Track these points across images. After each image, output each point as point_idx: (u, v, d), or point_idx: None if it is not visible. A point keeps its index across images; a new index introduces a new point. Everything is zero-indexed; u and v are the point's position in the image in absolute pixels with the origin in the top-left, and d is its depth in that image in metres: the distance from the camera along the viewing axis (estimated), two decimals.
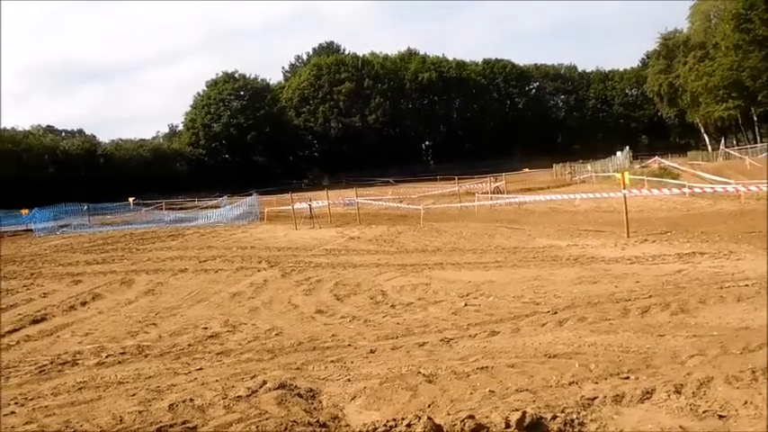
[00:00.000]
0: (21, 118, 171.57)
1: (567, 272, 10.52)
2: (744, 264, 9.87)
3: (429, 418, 4.15)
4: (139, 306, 10.41)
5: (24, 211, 35.87)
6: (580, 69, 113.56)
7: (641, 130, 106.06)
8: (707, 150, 68.12)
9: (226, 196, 38.50)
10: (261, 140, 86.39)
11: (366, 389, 5.19)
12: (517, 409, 4.17)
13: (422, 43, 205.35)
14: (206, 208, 37.97)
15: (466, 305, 8.57)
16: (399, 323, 7.86)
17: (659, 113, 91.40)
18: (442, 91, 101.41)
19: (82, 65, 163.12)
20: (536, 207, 25.42)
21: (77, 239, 25.69)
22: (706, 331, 6.17)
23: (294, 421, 4.40)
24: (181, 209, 41.17)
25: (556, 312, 7.61)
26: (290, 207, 26.25)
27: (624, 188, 15.73)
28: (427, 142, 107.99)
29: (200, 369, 6.28)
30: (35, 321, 9.56)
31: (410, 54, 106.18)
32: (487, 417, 4.16)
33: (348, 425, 4.46)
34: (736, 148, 57.61)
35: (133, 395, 5.47)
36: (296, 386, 5.30)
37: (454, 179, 42.48)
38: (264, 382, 5.40)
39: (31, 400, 5.59)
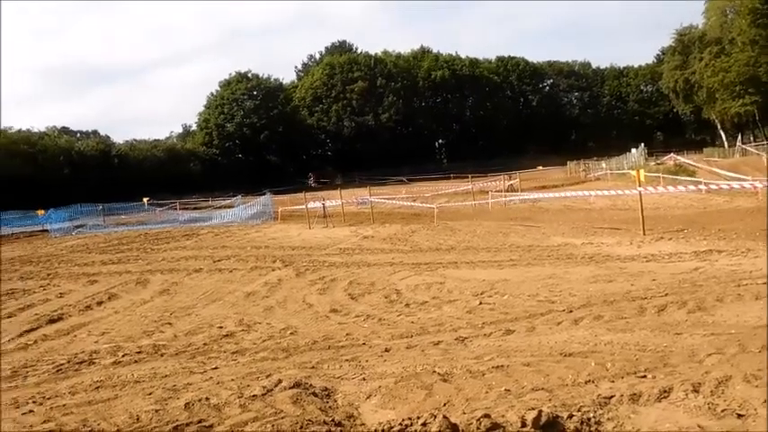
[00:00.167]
0: (36, 119, 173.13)
1: (583, 270, 10.45)
2: (761, 261, 9.74)
3: (445, 416, 4.13)
4: (155, 306, 10.47)
5: (40, 212, 36.20)
6: (594, 66, 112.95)
7: (656, 126, 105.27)
8: (723, 147, 67.65)
9: (239, 196, 38.59)
10: (274, 140, 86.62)
11: (381, 388, 5.18)
12: (533, 408, 4.15)
13: (435, 41, 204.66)
14: (220, 208, 38.14)
15: (480, 304, 8.55)
16: (414, 322, 7.84)
17: (675, 110, 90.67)
18: (456, 89, 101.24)
19: (96, 66, 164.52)
20: (550, 205, 25.30)
21: (93, 240, 25.89)
22: (724, 329, 6.11)
23: (309, 420, 4.40)
24: (195, 209, 41.42)
25: (571, 311, 7.56)
26: (304, 206, 26.29)
27: (639, 185, 15.61)
28: (440, 140, 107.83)
29: (216, 368, 6.31)
30: (52, 321, 9.65)
31: (423, 52, 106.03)
32: (503, 416, 4.14)
33: (363, 424, 4.46)
34: (754, 144, 57.11)
35: (149, 394, 5.50)
36: (311, 385, 5.30)
37: (468, 177, 42.42)
38: (280, 381, 5.40)
39: (48, 398, 5.64)
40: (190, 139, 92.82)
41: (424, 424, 4.11)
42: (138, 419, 4.74)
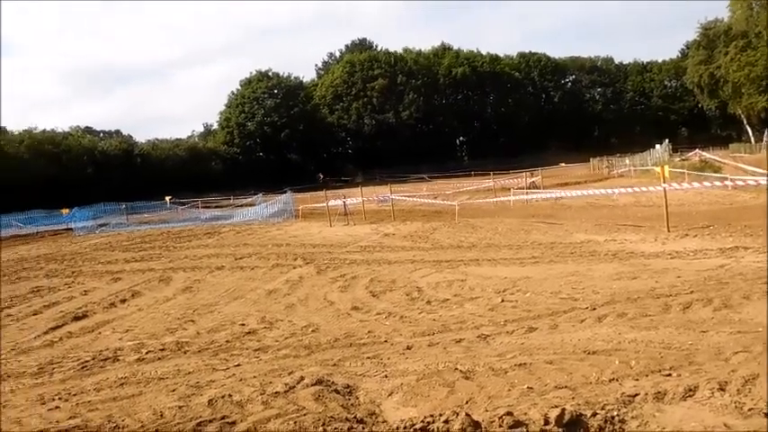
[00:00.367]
0: (60, 120, 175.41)
1: (606, 267, 10.35)
2: None
3: (467, 414, 4.12)
4: (177, 303, 10.56)
5: (65, 211, 36.73)
6: (617, 61, 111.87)
7: (681, 122, 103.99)
8: (750, 142, 66.53)
9: (260, 194, 38.74)
10: (295, 138, 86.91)
11: (403, 385, 5.18)
12: (556, 406, 4.12)
13: (455, 38, 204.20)
14: (241, 206, 38.35)
15: (503, 301, 8.50)
16: (435, 319, 7.82)
17: (699, 105, 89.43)
18: (476, 86, 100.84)
19: (118, 67, 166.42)
20: (573, 202, 25.09)
21: (116, 238, 26.20)
22: (750, 327, 6.01)
23: (331, 417, 4.41)
24: (216, 207, 41.72)
25: (594, 308, 7.49)
26: (325, 204, 26.35)
27: (664, 182, 15.43)
28: (461, 138, 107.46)
29: (238, 365, 6.34)
30: (77, 318, 9.79)
31: (444, 49, 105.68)
32: (526, 413, 4.11)
33: (385, 421, 4.45)
34: None
35: (173, 391, 5.55)
36: (333, 382, 5.31)
37: (489, 174, 42.23)
38: (302, 378, 5.42)
39: (74, 395, 5.71)
40: (211, 138, 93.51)
41: (446, 421, 4.10)
42: (161, 416, 4.78)
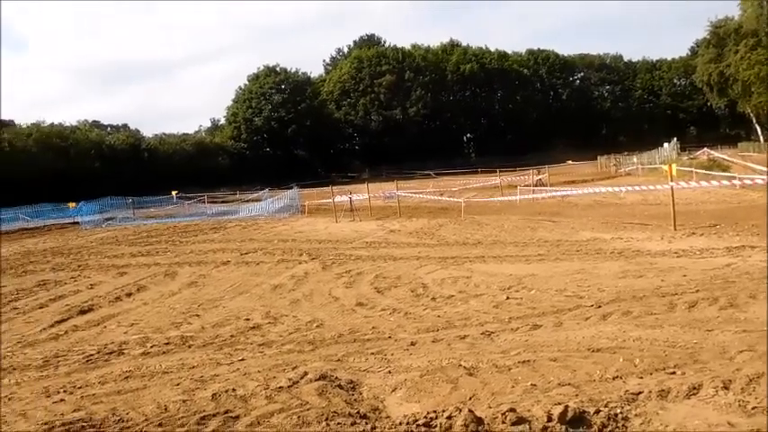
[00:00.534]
0: (68, 114, 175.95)
1: (612, 265, 10.33)
2: None
3: (470, 410, 4.12)
4: (183, 298, 10.59)
5: (72, 205, 36.81)
6: (626, 59, 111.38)
7: (690, 121, 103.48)
8: (759, 142, 66.16)
9: (267, 189, 38.88)
10: (302, 134, 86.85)
11: (407, 381, 5.19)
12: (559, 403, 4.12)
13: (464, 35, 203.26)
14: (247, 201, 38.40)
15: (507, 298, 8.49)
16: (440, 316, 7.83)
17: (709, 104, 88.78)
18: (484, 82, 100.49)
19: (127, 62, 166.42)
20: (579, 200, 25.01)
21: (122, 232, 26.28)
22: (756, 326, 5.99)
23: (335, 412, 4.42)
24: (223, 202, 41.75)
25: (600, 306, 7.48)
26: (331, 200, 26.37)
27: (671, 180, 15.36)
28: (468, 135, 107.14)
29: (243, 360, 6.36)
30: (82, 312, 9.82)
31: (452, 46, 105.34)
32: (529, 410, 4.12)
33: (388, 416, 4.46)
34: None
35: (177, 384, 5.58)
36: (337, 378, 5.32)
37: (496, 172, 42.15)
38: (306, 374, 5.44)
39: (79, 388, 5.75)
40: (218, 133, 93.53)
41: (449, 417, 4.11)
42: (165, 409, 4.80)
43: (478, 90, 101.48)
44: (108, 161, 65.51)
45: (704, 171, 29.41)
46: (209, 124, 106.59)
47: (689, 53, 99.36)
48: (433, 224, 19.26)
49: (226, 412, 4.62)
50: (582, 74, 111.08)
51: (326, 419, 4.29)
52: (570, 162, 59.46)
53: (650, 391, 4.33)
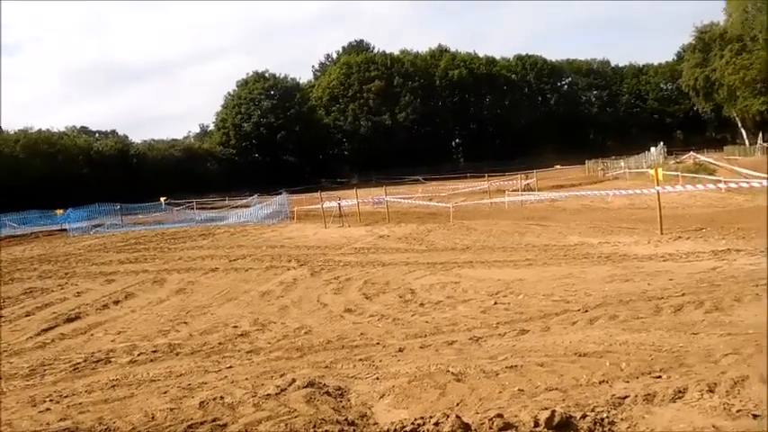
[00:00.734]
0: (56, 120, 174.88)
1: (599, 270, 10.38)
2: None
3: (457, 416, 4.13)
4: (171, 305, 10.55)
5: (59, 212, 36.60)
6: (613, 64, 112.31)
7: (676, 125, 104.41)
8: (744, 145, 66.82)
9: (256, 195, 38.70)
10: (291, 140, 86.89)
11: (395, 387, 5.19)
12: (546, 408, 4.13)
13: (452, 40, 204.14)
14: (236, 207, 38.32)
15: (495, 303, 8.51)
16: (428, 322, 7.83)
17: (695, 108, 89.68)
18: (473, 88, 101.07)
19: (114, 67, 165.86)
20: (567, 204, 25.13)
21: (110, 239, 26.14)
22: (741, 330, 6.04)
23: (323, 419, 4.41)
24: (211, 208, 41.66)
25: (587, 311, 7.52)
26: (320, 206, 26.35)
27: (658, 184, 15.47)
28: (457, 140, 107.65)
29: (231, 367, 6.34)
30: (69, 320, 9.76)
31: (440, 51, 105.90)
32: (516, 416, 4.13)
33: (376, 423, 4.46)
34: None
35: (165, 393, 5.55)
36: (325, 384, 5.31)
37: (484, 176, 42.26)
38: (293, 381, 5.43)
39: (65, 397, 5.71)
40: (207, 139, 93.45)
41: (436, 423, 4.11)
42: (153, 418, 4.78)
43: (467, 95, 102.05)
44: (96, 167, 65.25)
45: (690, 175, 29.66)
46: (197, 130, 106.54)
47: (675, 58, 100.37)
48: (421, 229, 19.28)
49: (213, 420, 4.61)
50: (569, 79, 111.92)
51: (314, 427, 4.28)
52: (558, 166, 59.80)
53: (636, 395, 4.36)
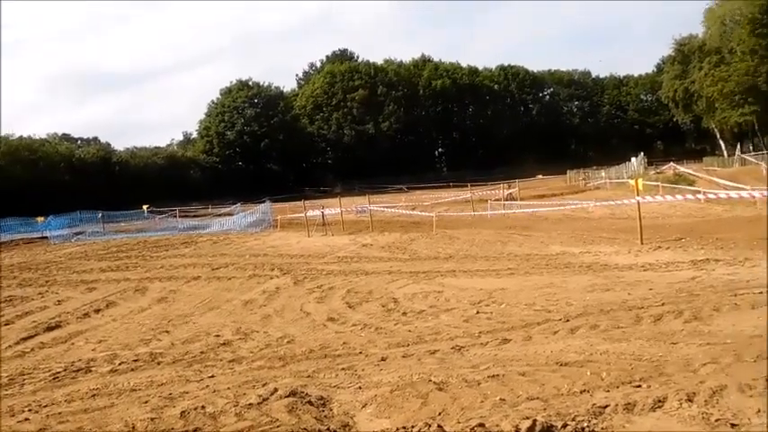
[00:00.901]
0: (37, 127, 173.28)
1: (580, 279, 10.47)
2: (759, 270, 9.75)
3: (439, 426, 4.15)
4: (152, 313, 10.48)
5: (40, 219, 36.21)
6: (594, 75, 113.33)
7: (656, 136, 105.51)
8: (723, 156, 67.65)
9: (239, 204, 38.57)
10: (274, 148, 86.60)
11: (377, 397, 5.19)
12: (527, 417, 4.16)
13: (436, 50, 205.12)
14: (219, 215, 38.13)
15: (478, 313, 8.55)
16: (411, 331, 7.85)
17: (675, 119, 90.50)
18: (456, 98, 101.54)
19: (96, 74, 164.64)
20: (549, 214, 25.30)
21: (92, 247, 25.90)
22: (719, 339, 6.12)
23: (305, 429, 4.42)
24: (194, 216, 41.39)
25: (568, 320, 7.57)
26: (303, 214, 26.31)
27: (638, 194, 15.64)
28: (440, 149, 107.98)
29: (212, 376, 6.31)
30: (49, 329, 9.66)
31: (424, 61, 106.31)
32: (498, 425, 4.15)
33: None
34: (753, 153, 57.09)
35: (145, 402, 5.51)
36: (307, 394, 5.31)
37: (467, 186, 42.44)
38: (275, 390, 5.41)
39: (44, 406, 5.65)
40: (190, 147, 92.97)
41: None
42: (133, 428, 4.75)
43: (450, 105, 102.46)
44: (78, 174, 64.66)
45: (670, 185, 29.99)
46: (181, 138, 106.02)
47: (655, 70, 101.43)
48: (405, 238, 19.32)
49: (195, 430, 4.59)
50: (551, 89, 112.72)
51: None
52: (540, 176, 60.13)
53: (617, 405, 4.40)
